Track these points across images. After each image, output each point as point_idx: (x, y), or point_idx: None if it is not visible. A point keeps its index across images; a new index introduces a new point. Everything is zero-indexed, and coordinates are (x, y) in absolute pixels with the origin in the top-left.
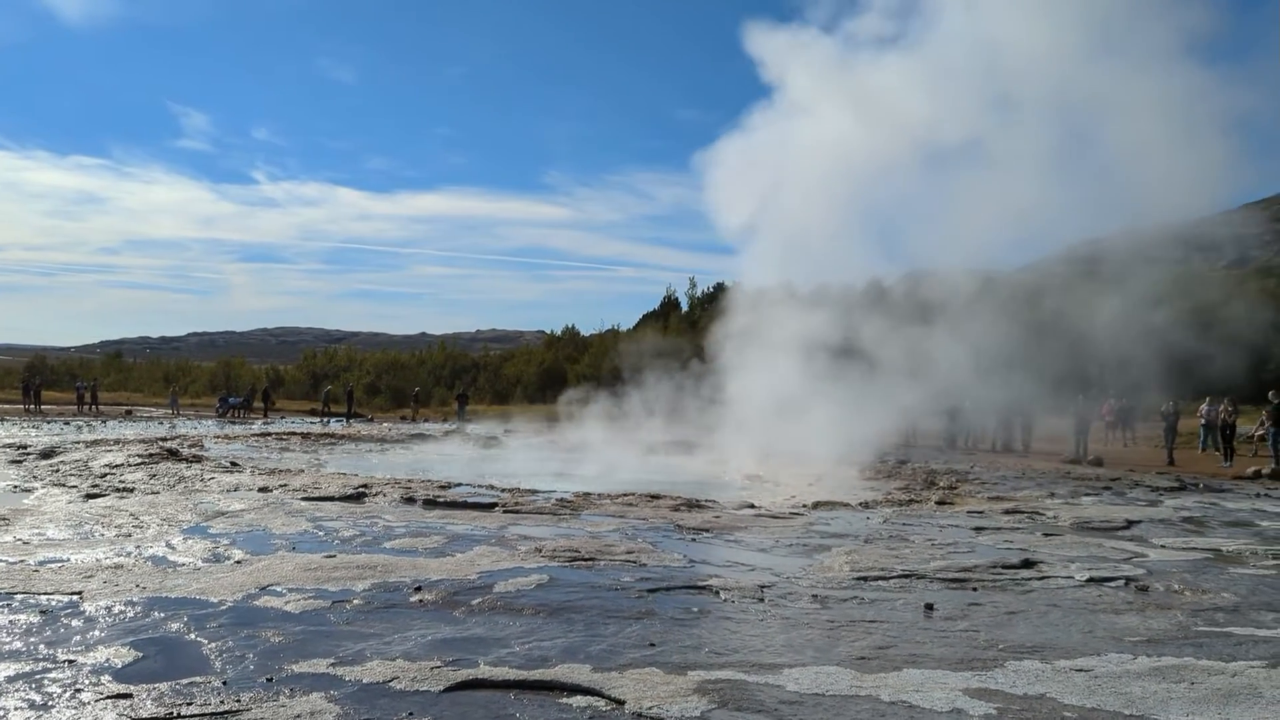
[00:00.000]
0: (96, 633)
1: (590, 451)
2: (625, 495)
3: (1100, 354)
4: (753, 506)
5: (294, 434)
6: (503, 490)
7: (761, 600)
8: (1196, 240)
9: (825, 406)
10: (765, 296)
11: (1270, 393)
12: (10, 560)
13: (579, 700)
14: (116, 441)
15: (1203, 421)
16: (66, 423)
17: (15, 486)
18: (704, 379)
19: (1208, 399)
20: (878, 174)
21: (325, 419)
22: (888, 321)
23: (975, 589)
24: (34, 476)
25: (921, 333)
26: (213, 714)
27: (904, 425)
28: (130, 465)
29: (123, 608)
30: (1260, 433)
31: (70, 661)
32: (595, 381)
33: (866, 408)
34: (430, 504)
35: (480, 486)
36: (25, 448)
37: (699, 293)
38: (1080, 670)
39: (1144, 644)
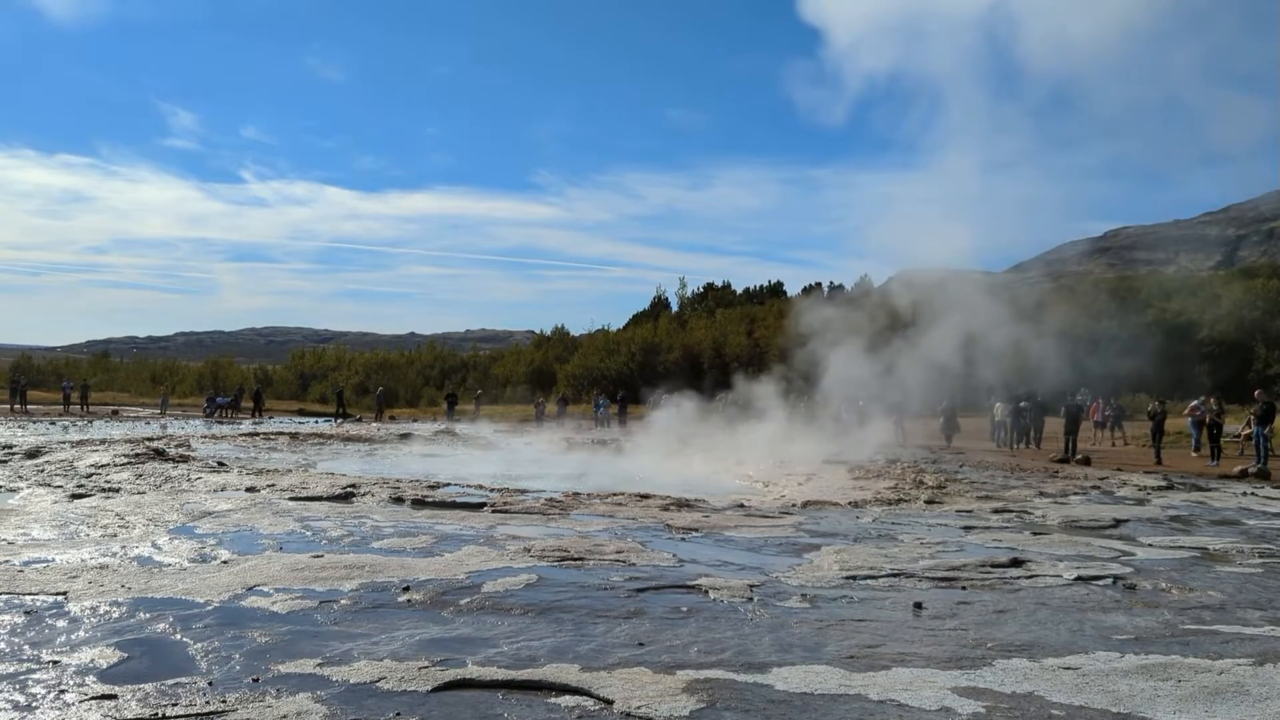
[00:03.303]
0: (81, 633)
1: (578, 450)
2: (615, 495)
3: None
4: (742, 506)
5: (282, 434)
6: (491, 490)
7: (750, 599)
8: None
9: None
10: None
11: (1256, 391)
12: None
13: (567, 700)
14: (103, 441)
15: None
16: (53, 423)
17: (0, 487)
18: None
19: (1202, 396)
20: None
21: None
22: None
23: (964, 588)
24: (19, 476)
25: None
26: (198, 714)
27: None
28: (116, 465)
29: (108, 608)
30: (1247, 432)
31: (55, 662)
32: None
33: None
34: (419, 504)
35: (469, 486)
36: (10, 448)
37: (689, 292)
38: (1068, 668)
39: (1131, 642)
